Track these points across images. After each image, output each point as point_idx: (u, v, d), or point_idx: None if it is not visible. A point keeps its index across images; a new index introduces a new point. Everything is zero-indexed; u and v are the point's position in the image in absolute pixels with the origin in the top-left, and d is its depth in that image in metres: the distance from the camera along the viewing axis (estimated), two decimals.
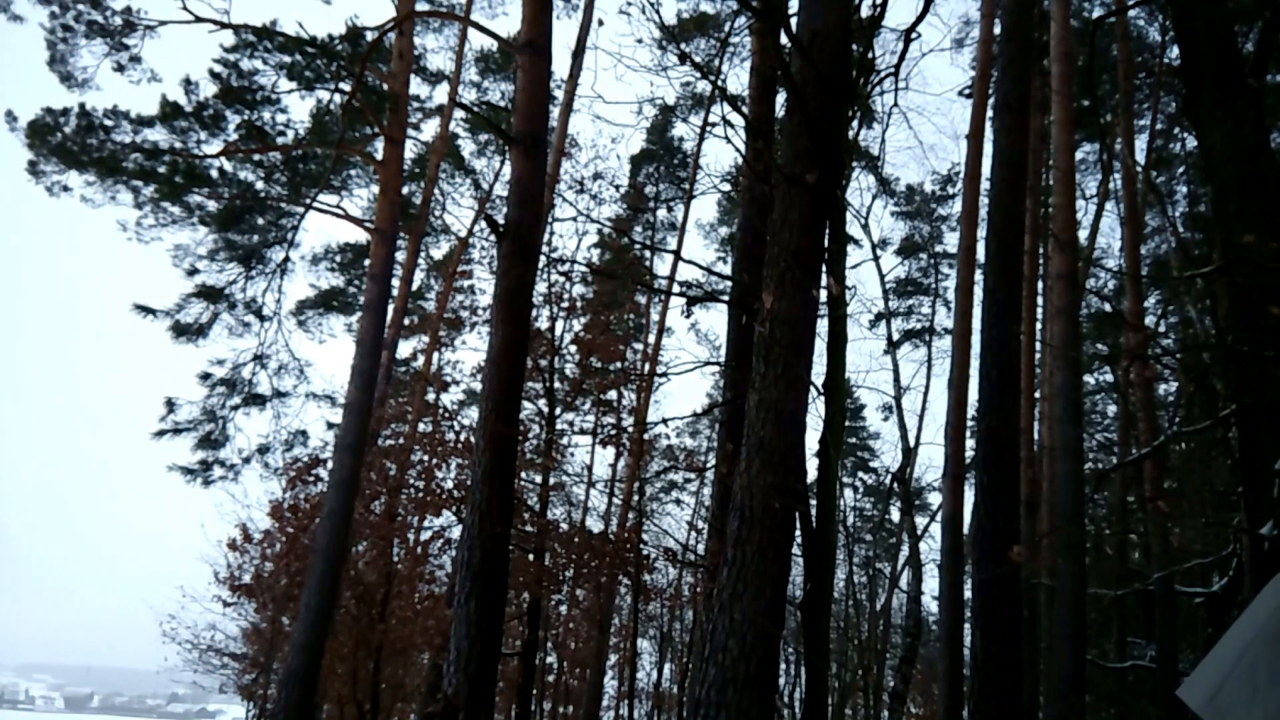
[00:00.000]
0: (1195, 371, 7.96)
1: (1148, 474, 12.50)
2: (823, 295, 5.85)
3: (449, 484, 13.84)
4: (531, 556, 13.75)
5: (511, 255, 8.11)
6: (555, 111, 15.39)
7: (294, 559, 14.20)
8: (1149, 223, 16.98)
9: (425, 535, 15.79)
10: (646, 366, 18.47)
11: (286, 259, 15.66)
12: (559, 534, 14.35)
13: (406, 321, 19.68)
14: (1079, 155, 17.25)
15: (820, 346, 6.03)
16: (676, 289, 15.53)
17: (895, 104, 11.24)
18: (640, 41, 12.08)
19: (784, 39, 6.60)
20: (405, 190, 15.97)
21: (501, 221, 8.33)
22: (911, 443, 22.57)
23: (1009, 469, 7.97)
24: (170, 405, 16.19)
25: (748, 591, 5.03)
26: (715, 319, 46.30)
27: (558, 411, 14.92)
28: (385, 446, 15.36)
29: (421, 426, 16.74)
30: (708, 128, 19.97)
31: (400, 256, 16.47)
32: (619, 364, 16.82)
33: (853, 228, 22.46)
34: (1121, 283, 14.83)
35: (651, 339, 20.58)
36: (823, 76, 5.74)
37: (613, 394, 17.52)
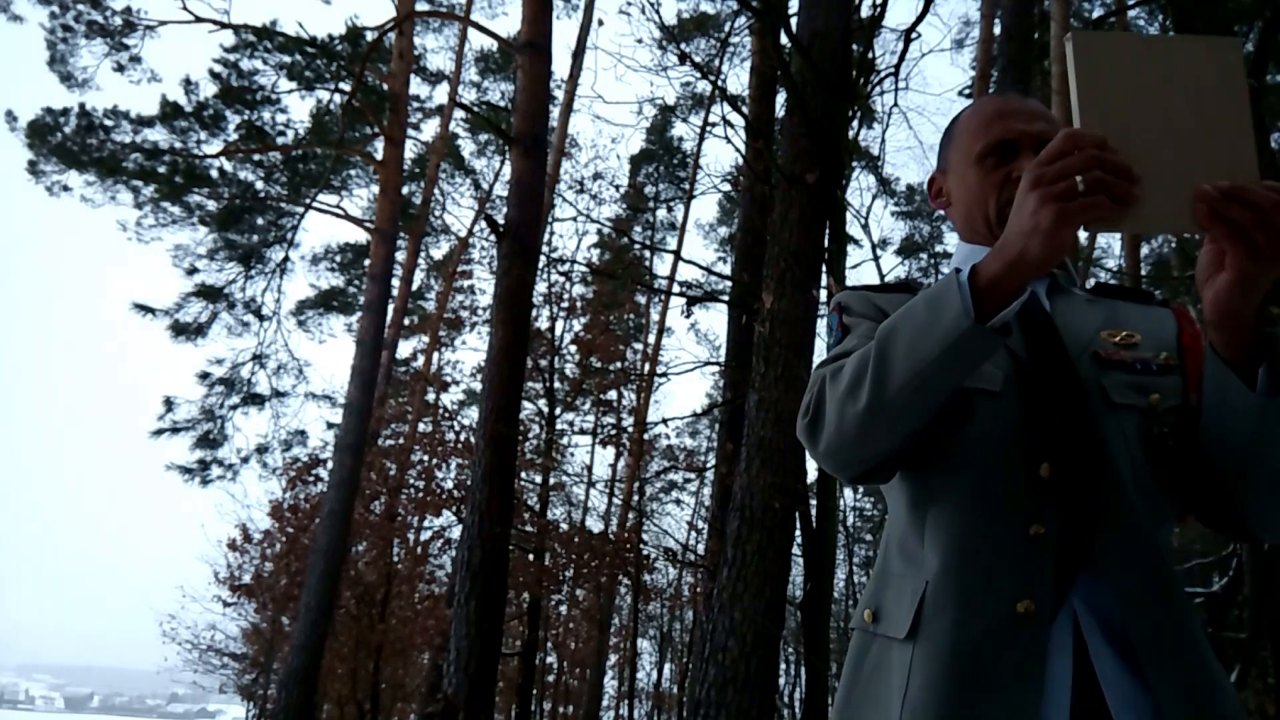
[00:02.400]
0: None
1: None
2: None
3: (449, 484, 13.85)
4: (531, 556, 13.75)
5: (511, 255, 8.11)
6: (555, 111, 15.40)
7: (294, 559, 14.20)
8: None
9: (425, 535, 15.80)
10: (646, 366, 18.47)
11: (286, 259, 15.67)
12: (559, 534, 14.34)
13: (406, 321, 19.68)
14: None
15: (820, 346, 6.03)
16: (676, 289, 15.53)
17: (895, 104, 11.26)
18: (640, 41, 12.09)
19: (784, 39, 6.60)
20: (405, 190, 15.98)
21: (501, 221, 8.33)
22: None
23: None
24: (169, 404, 16.22)
25: (748, 591, 5.03)
26: (715, 319, 46.35)
27: (558, 411, 14.92)
28: (385, 446, 15.36)
29: (421, 426, 16.74)
30: (708, 128, 19.94)
31: (400, 256, 16.49)
32: (619, 364, 16.82)
33: (853, 228, 22.39)
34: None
35: (651, 339, 20.58)
36: (823, 76, 5.74)
37: (613, 394, 17.52)
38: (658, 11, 8.29)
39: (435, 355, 20.36)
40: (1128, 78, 0.99)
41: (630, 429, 17.18)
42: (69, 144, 13.74)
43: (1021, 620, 1.07)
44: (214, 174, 14.92)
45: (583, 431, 17.63)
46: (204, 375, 16.26)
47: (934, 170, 1.43)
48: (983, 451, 1.16)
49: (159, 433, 16.17)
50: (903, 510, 1.25)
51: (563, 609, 20.67)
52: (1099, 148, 0.94)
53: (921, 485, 1.21)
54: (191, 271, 15.70)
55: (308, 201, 14.70)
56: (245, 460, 16.77)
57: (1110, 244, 22.60)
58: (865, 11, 6.59)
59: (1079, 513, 1.11)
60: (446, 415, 16.32)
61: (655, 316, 20.83)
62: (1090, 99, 0.99)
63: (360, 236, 18.88)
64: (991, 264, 1.01)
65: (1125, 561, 1.09)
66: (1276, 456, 1.06)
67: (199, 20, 12.28)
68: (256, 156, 14.85)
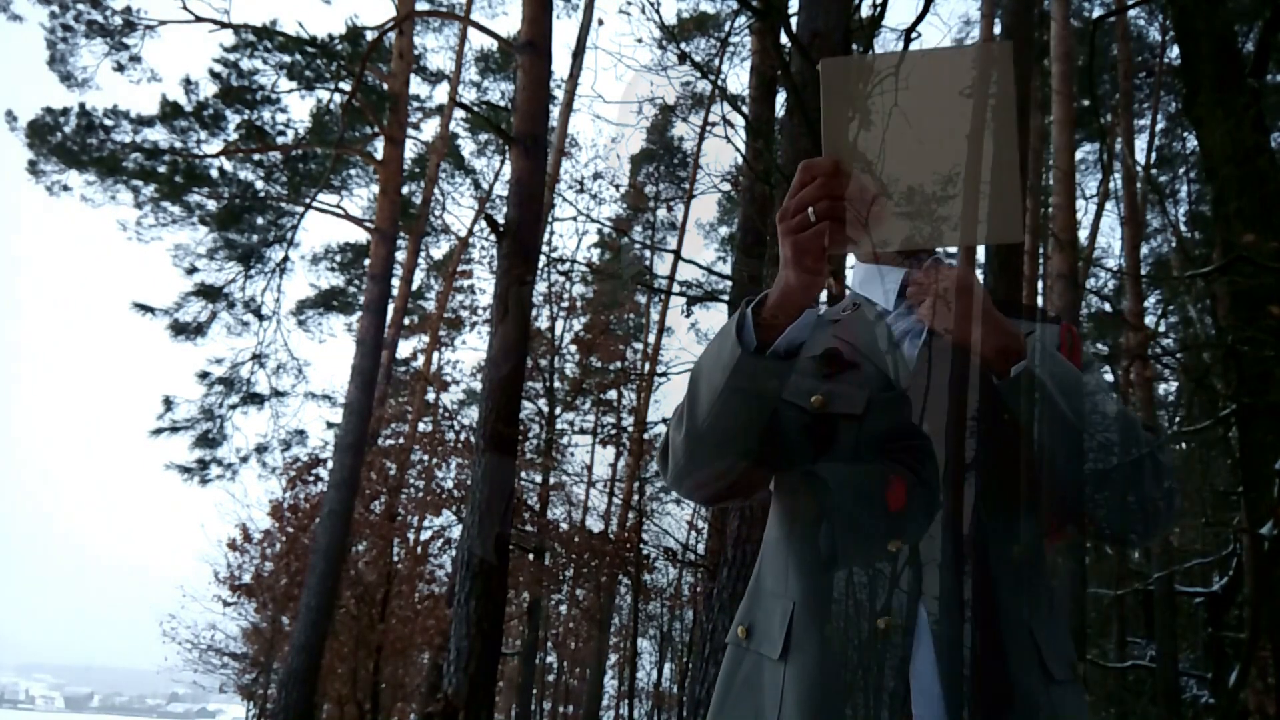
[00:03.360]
0: (1195, 371, 7.95)
1: None
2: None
3: (449, 484, 13.86)
4: (531, 556, 13.75)
5: (511, 255, 8.11)
6: (555, 111, 15.39)
7: (294, 559, 14.20)
8: (1149, 222, 16.98)
9: (425, 535, 15.81)
10: (646, 366, 18.47)
11: (286, 258, 15.66)
12: (559, 534, 14.35)
13: (406, 321, 19.67)
14: (1079, 155, 17.23)
15: None
16: (676, 289, 15.53)
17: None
18: (640, 41, 12.10)
19: (784, 39, 6.59)
20: (405, 190, 15.98)
21: (501, 221, 8.33)
22: None
23: None
24: (168, 403, 16.22)
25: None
26: (715, 319, 46.26)
27: (558, 411, 14.93)
28: (385, 446, 15.36)
29: (421, 426, 16.74)
30: (708, 128, 19.95)
31: (400, 256, 16.48)
32: (619, 364, 16.82)
33: None
34: (1121, 283, 14.82)
35: (651, 339, 20.58)
36: None
37: (613, 394, 17.52)
38: (658, 11, 8.29)
39: (435, 355, 20.37)
40: (879, 99, 0.99)
41: (630, 429, 17.18)
42: (69, 144, 13.75)
43: (883, 637, 1.09)
44: (214, 174, 14.94)
45: (583, 431, 17.64)
46: (203, 375, 16.26)
47: None
48: (844, 472, 1.17)
49: (158, 432, 16.17)
50: (772, 528, 1.26)
51: (563, 609, 20.67)
52: (829, 175, 0.97)
53: (787, 505, 1.23)
54: (191, 271, 15.70)
55: (308, 201, 14.70)
56: (245, 460, 16.78)
57: (1110, 244, 22.58)
58: (865, 11, 6.58)
59: (935, 528, 1.12)
60: (446, 415, 16.33)
61: (655, 316, 20.83)
62: (835, 124, 0.99)
63: (360, 236, 18.89)
64: (771, 295, 1.07)
65: (965, 575, 1.11)
66: (1045, 432, 1.09)
67: (199, 20, 12.27)
68: (256, 156, 14.86)
